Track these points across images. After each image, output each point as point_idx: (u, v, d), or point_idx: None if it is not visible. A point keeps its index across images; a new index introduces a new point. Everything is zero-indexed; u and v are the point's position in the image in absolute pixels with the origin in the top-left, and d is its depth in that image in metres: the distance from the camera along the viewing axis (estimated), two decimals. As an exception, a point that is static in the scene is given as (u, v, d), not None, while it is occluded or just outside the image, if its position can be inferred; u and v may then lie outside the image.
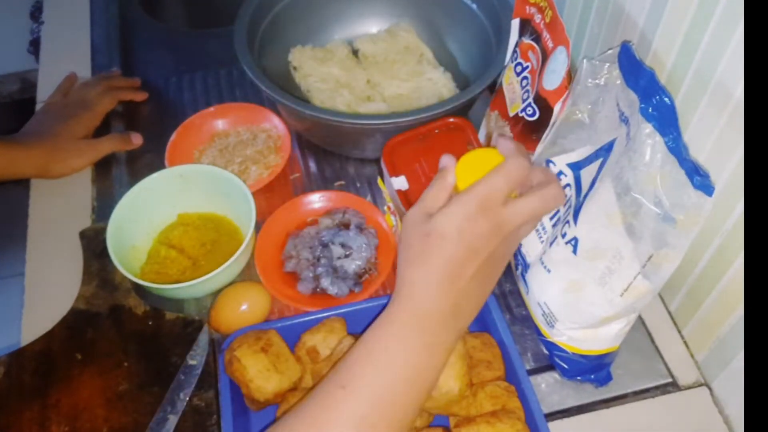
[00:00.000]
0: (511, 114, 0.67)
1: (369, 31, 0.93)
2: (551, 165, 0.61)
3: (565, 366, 0.63)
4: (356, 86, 0.87)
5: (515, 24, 0.67)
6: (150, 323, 0.67)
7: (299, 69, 0.88)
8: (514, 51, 0.67)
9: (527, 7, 0.64)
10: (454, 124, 0.71)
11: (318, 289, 0.69)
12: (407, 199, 0.66)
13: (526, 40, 0.65)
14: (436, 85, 0.86)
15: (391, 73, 0.87)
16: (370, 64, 0.89)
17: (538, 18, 0.62)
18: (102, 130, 0.86)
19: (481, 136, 0.76)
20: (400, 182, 0.67)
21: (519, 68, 0.66)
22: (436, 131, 0.70)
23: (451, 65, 0.89)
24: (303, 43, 0.90)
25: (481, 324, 0.65)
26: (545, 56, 0.61)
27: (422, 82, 0.86)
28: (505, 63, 0.70)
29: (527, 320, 0.68)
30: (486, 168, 0.49)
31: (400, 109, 0.84)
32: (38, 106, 0.89)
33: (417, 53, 0.89)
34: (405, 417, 0.46)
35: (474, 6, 0.84)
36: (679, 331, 0.67)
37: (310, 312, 0.63)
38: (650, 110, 0.49)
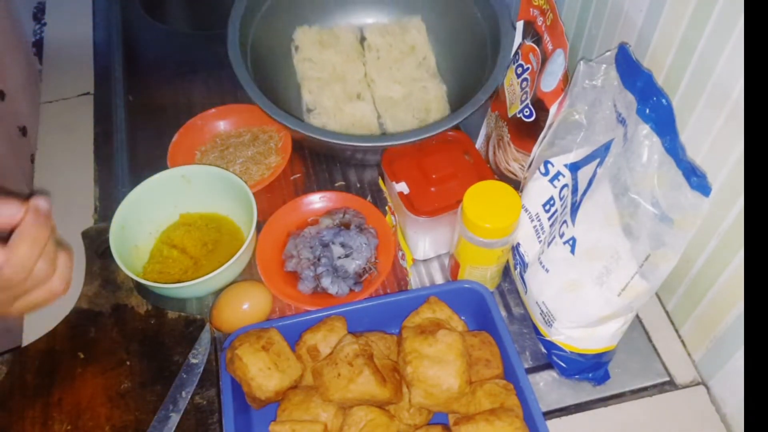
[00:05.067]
0: (510, 115, 0.67)
1: (381, 20, 0.90)
2: (549, 166, 0.61)
3: (563, 365, 0.64)
4: (350, 80, 0.85)
5: (519, 26, 0.67)
6: (152, 322, 0.67)
7: (300, 50, 0.87)
8: (516, 52, 0.68)
9: (531, 9, 0.65)
10: (452, 136, 0.71)
11: (318, 289, 0.69)
12: (409, 201, 0.67)
13: (528, 42, 0.65)
14: (428, 96, 0.85)
15: (389, 72, 0.87)
16: (372, 57, 0.88)
17: (540, 20, 0.63)
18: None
19: (482, 136, 0.77)
20: (401, 187, 0.68)
21: (520, 70, 0.66)
22: (433, 141, 0.71)
23: (448, 73, 0.88)
24: (310, 23, 0.87)
25: (480, 323, 0.65)
26: (545, 58, 0.62)
27: (415, 90, 0.85)
28: (507, 65, 0.70)
29: (525, 319, 0.69)
30: None
31: (385, 114, 0.84)
32: (41, 107, 0.90)
33: (421, 56, 0.88)
34: None
35: (478, 15, 0.81)
36: (677, 331, 0.68)
37: (311, 311, 0.64)
38: (647, 111, 0.49)
